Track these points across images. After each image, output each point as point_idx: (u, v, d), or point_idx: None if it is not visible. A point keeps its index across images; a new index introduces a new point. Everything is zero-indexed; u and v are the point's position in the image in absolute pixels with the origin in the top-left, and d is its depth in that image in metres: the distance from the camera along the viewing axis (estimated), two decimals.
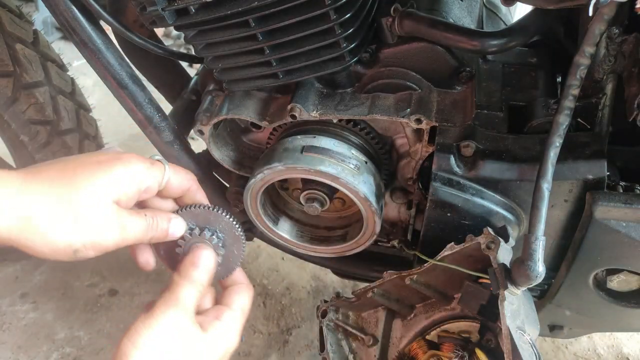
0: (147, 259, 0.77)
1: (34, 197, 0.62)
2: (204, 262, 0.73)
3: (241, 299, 0.77)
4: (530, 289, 0.81)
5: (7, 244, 0.61)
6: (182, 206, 0.79)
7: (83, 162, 0.68)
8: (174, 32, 3.06)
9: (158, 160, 0.75)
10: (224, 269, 0.80)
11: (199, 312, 0.72)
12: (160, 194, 0.76)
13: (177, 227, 0.75)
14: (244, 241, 0.79)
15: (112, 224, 0.66)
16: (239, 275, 0.81)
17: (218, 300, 0.77)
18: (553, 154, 0.73)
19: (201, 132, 0.97)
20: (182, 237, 0.76)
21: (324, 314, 1.02)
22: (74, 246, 0.64)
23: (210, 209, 0.78)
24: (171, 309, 0.67)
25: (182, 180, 0.77)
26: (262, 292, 1.85)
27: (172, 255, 0.78)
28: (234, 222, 0.78)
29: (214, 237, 0.77)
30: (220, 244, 0.77)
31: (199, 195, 0.81)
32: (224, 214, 0.77)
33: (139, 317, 0.67)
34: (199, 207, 0.77)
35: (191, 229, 0.77)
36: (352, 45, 0.83)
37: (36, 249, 0.62)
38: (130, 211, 0.70)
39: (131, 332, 0.65)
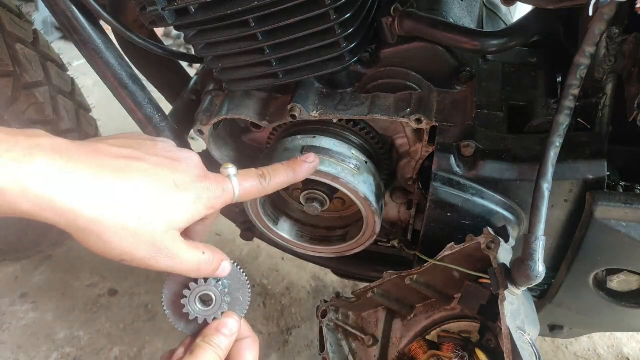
0: None
1: (105, 202, 0.58)
2: (229, 330, 0.72)
3: (251, 357, 0.74)
4: (530, 289, 0.81)
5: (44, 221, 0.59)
6: None
7: (158, 178, 0.63)
8: (174, 32, 3.06)
9: (228, 177, 0.71)
10: None
11: None
12: None
13: (224, 269, 0.72)
14: (249, 288, 0.76)
15: (168, 252, 0.63)
16: (245, 327, 0.76)
17: (228, 358, 0.73)
18: (553, 154, 0.73)
19: (201, 132, 0.97)
20: (188, 287, 0.72)
21: (324, 314, 1.02)
22: (124, 259, 0.62)
23: None
24: None
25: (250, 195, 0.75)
26: (262, 292, 1.85)
27: (177, 307, 0.74)
28: (239, 268, 0.75)
29: (219, 283, 0.73)
30: (227, 291, 0.74)
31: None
32: None
33: None
34: None
35: (196, 279, 0.72)
36: (352, 45, 0.83)
37: (87, 246, 0.61)
38: (190, 243, 0.66)
39: None
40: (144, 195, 0.61)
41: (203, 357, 0.68)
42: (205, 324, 0.72)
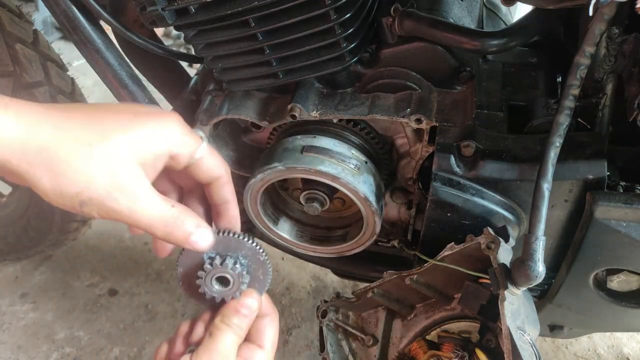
0: (163, 246, 0.70)
1: (54, 131, 0.53)
2: (248, 310, 0.68)
3: (271, 335, 0.71)
4: (530, 289, 0.81)
5: (8, 175, 0.53)
6: None
7: (117, 110, 0.59)
8: (174, 32, 3.06)
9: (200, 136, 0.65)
10: None
11: None
12: (187, 172, 0.65)
13: (202, 238, 0.63)
14: (269, 265, 0.72)
15: (129, 190, 0.55)
16: (266, 304, 0.73)
17: (248, 336, 0.70)
18: (553, 154, 0.73)
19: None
20: (203, 268, 0.68)
21: (324, 314, 1.02)
22: (81, 197, 0.54)
23: (231, 234, 0.69)
24: (213, 356, 0.64)
25: (216, 165, 0.67)
26: None
27: (192, 284, 0.71)
28: (258, 247, 0.71)
29: (237, 265, 0.68)
30: (245, 272, 0.69)
31: (228, 190, 0.70)
32: (245, 239, 0.70)
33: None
34: (218, 233, 0.69)
35: (211, 258, 0.68)
36: (352, 45, 0.83)
37: (41, 187, 0.53)
38: (155, 191, 0.58)
39: None
40: (98, 119, 0.56)
41: (222, 339, 0.65)
42: (224, 302, 0.69)
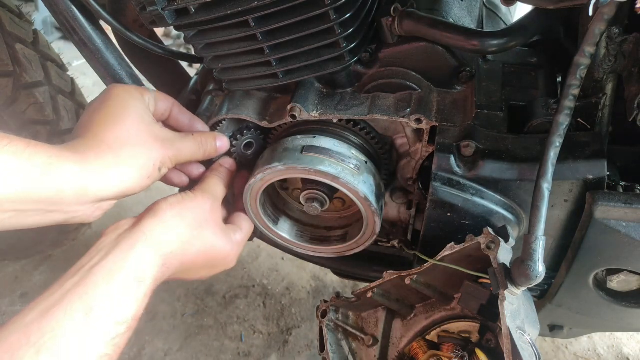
0: (181, 178, 0.93)
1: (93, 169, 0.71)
2: (220, 148, 0.92)
3: (249, 226, 0.97)
4: (530, 289, 0.81)
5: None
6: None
7: (106, 120, 0.76)
8: (174, 32, 3.06)
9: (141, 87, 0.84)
10: None
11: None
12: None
13: (223, 142, 0.92)
14: None
15: (167, 139, 0.80)
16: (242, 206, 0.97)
17: (229, 220, 0.95)
18: (553, 153, 0.73)
19: None
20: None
21: (324, 314, 1.02)
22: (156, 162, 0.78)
23: None
24: (206, 193, 0.85)
25: (166, 102, 0.87)
26: (262, 292, 1.85)
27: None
28: None
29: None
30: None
31: (185, 116, 0.90)
32: None
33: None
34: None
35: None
36: (352, 45, 0.83)
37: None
38: (179, 133, 0.84)
39: (171, 197, 0.79)
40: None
41: (209, 182, 0.90)
42: None
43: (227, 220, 0.95)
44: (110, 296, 0.64)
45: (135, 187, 0.75)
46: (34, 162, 0.64)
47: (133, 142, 0.75)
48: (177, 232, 0.76)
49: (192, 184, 0.92)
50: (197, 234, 0.79)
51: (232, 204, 0.99)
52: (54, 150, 0.67)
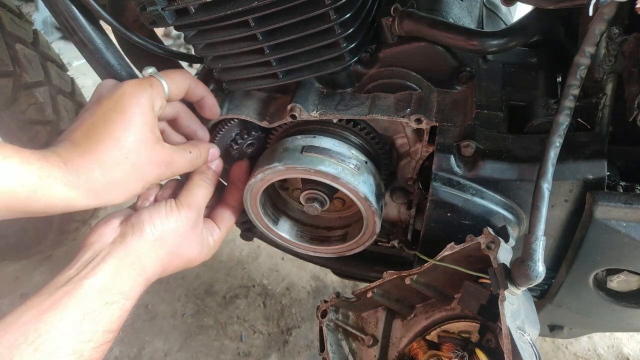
0: (178, 139, 0.92)
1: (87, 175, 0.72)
2: (210, 160, 0.92)
3: (229, 222, 0.97)
4: (530, 289, 0.81)
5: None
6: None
7: (104, 127, 0.74)
8: (174, 32, 3.06)
9: (153, 76, 0.81)
10: None
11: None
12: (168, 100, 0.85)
13: (214, 155, 0.93)
14: None
15: (164, 160, 0.79)
16: (230, 198, 0.97)
17: (211, 214, 0.95)
18: (553, 153, 0.73)
19: None
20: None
21: (324, 314, 1.02)
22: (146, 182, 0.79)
23: None
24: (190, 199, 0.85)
25: (180, 84, 0.85)
26: (262, 292, 1.85)
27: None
28: None
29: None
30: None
31: (200, 88, 0.89)
32: None
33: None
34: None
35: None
36: (352, 45, 0.83)
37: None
38: (175, 148, 0.83)
39: (155, 214, 0.80)
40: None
41: (194, 190, 0.88)
42: None
43: (209, 214, 0.95)
44: (100, 308, 0.68)
45: (120, 203, 0.78)
46: (24, 182, 0.65)
47: (128, 167, 0.74)
48: (159, 254, 0.80)
49: (176, 190, 0.90)
50: (177, 253, 0.83)
51: (218, 195, 0.98)
52: (46, 167, 0.68)
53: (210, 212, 0.96)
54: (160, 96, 0.80)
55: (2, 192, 0.64)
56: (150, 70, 0.82)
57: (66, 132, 0.76)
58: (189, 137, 0.93)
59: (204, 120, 0.95)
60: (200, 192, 0.88)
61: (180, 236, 0.83)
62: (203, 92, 0.90)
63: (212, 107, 0.91)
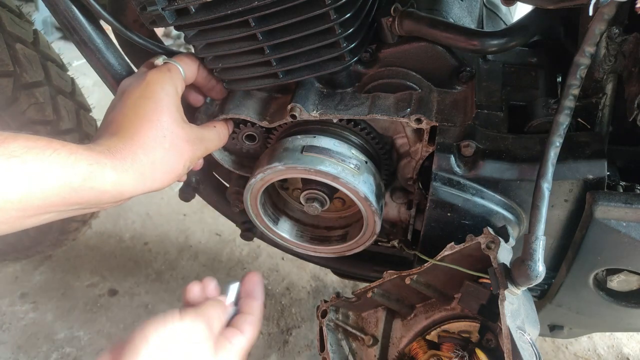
0: (197, 97, 0.96)
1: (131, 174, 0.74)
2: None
3: (253, 330, 0.81)
4: (530, 289, 0.81)
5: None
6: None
7: (137, 114, 0.78)
8: (174, 32, 3.06)
9: (169, 62, 0.85)
10: None
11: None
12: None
13: (231, 127, 0.97)
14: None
15: (196, 139, 0.84)
16: (257, 307, 0.85)
17: (232, 323, 0.81)
18: (553, 153, 0.73)
19: None
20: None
21: (324, 314, 1.02)
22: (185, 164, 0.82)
23: None
24: (199, 318, 0.74)
25: (192, 66, 0.88)
26: None
27: None
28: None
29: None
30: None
31: (206, 70, 0.91)
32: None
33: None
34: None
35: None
36: (352, 45, 0.83)
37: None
38: (201, 125, 0.89)
39: (147, 328, 0.69)
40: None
41: (208, 310, 0.78)
42: None
43: (231, 323, 0.82)
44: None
45: (165, 187, 0.80)
46: (76, 171, 0.67)
47: (167, 145, 0.78)
48: None
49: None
50: None
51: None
52: (94, 155, 0.70)
53: (232, 321, 0.84)
54: (179, 79, 0.84)
55: (59, 185, 0.65)
56: (162, 58, 0.86)
57: (99, 130, 0.79)
58: (204, 90, 0.96)
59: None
60: (214, 314, 0.78)
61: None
62: (209, 73, 0.92)
63: (219, 88, 0.94)
